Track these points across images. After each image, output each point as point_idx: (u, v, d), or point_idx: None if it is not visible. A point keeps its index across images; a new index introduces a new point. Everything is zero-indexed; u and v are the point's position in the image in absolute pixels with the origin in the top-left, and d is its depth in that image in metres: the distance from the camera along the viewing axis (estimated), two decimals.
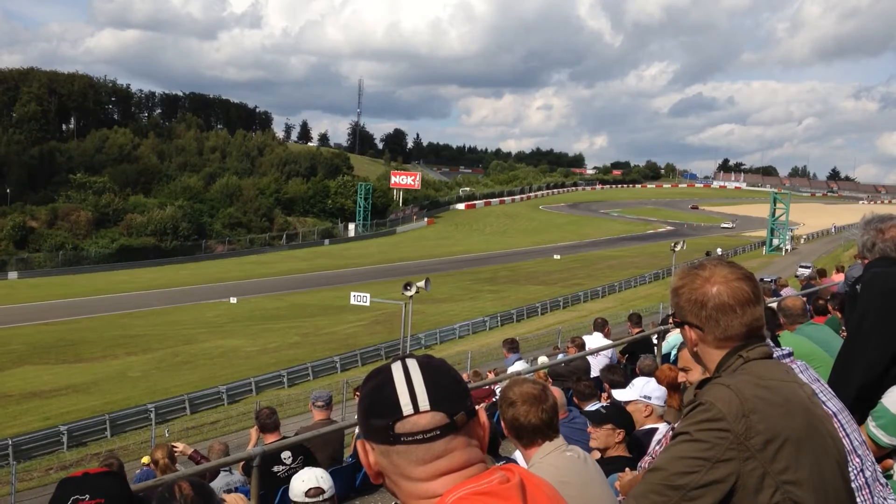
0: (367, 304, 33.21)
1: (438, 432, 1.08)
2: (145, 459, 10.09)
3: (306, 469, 3.51)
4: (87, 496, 1.78)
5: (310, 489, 3.38)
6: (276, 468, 5.33)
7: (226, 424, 24.40)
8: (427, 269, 52.30)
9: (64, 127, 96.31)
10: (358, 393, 9.69)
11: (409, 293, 26.00)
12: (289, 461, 5.48)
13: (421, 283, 26.10)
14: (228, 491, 5.69)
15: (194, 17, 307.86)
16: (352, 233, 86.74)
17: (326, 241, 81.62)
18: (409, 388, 1.09)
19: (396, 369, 1.12)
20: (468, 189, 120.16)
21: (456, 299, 47.41)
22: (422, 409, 1.08)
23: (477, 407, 1.16)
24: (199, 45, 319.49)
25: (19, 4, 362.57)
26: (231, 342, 36.85)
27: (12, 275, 58.24)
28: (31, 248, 63.53)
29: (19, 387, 29.42)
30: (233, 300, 44.50)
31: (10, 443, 21.40)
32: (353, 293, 33.67)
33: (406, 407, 1.08)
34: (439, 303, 43.85)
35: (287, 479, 4.10)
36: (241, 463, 5.67)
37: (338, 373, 30.92)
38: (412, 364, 1.13)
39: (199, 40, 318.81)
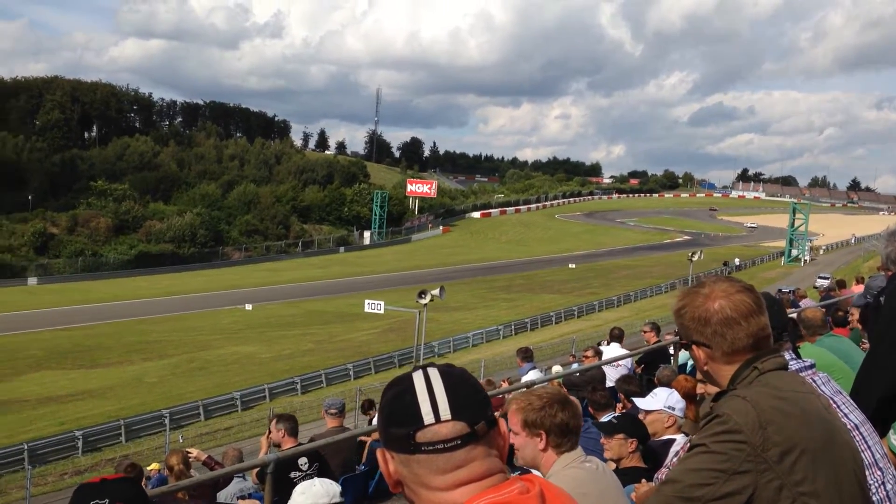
0: (382, 311, 33.28)
1: (459, 441, 1.08)
2: (154, 466, 10.09)
3: (310, 483, 3.27)
4: (106, 501, 1.80)
5: None
6: (292, 474, 5.34)
7: (239, 430, 24.45)
8: (442, 278, 52.28)
9: (86, 135, 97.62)
10: (372, 412, 9.65)
11: (423, 301, 25.94)
12: (305, 467, 5.50)
13: (435, 292, 26.06)
14: (242, 497, 5.72)
15: (217, 27, 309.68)
16: (367, 240, 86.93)
17: (342, 249, 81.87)
18: (431, 396, 1.09)
19: (417, 378, 1.12)
20: (500, 196, 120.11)
21: (470, 307, 47.37)
22: (443, 418, 1.08)
23: (498, 416, 1.16)
24: (221, 55, 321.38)
25: (45, 14, 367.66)
26: (246, 349, 37.03)
27: (32, 280, 58.90)
28: (51, 254, 64.25)
29: (36, 391, 29.70)
30: (248, 307, 44.79)
31: (25, 447, 21.54)
32: (367, 301, 33.77)
33: (427, 416, 1.08)
34: (453, 311, 43.81)
35: None
36: (255, 470, 5.68)
37: (351, 380, 30.97)
38: (433, 373, 1.13)
39: (221, 50, 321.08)
